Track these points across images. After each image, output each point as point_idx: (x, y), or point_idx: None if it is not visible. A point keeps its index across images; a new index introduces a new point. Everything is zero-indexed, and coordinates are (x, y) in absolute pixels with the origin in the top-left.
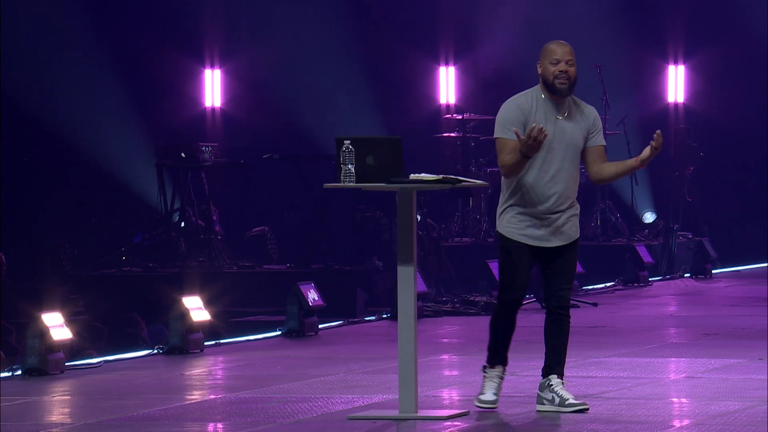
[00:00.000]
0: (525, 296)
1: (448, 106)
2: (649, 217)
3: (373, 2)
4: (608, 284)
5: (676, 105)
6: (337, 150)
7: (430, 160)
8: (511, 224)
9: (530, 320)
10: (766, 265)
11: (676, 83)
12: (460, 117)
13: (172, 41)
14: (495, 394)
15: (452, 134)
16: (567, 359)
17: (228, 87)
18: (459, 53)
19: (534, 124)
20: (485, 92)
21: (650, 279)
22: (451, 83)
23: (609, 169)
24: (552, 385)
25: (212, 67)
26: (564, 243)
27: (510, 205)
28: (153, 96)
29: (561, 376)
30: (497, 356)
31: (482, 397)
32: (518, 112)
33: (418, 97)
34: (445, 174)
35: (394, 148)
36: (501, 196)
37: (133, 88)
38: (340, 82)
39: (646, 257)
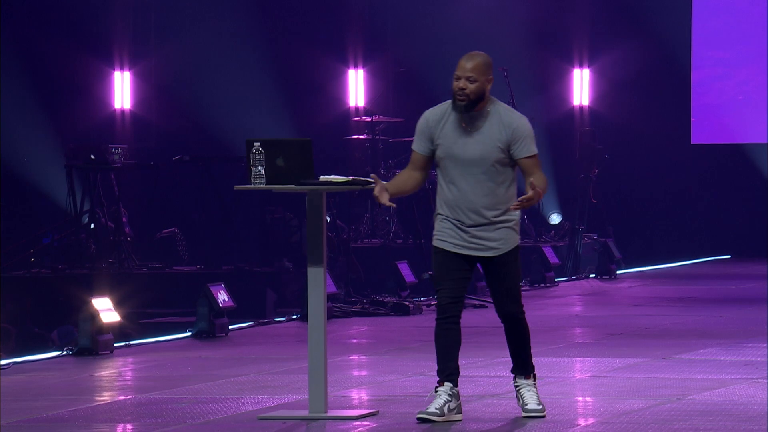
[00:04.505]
0: (458, 303)
1: (357, 108)
2: (555, 219)
3: (283, 4)
4: None
5: (581, 108)
6: (248, 152)
7: (340, 162)
8: (436, 232)
9: (430, 321)
10: None
11: (581, 86)
12: (369, 119)
13: (80, 43)
14: (438, 408)
15: (362, 136)
16: (475, 359)
17: (137, 89)
18: (368, 56)
19: (377, 197)
20: (394, 95)
21: (556, 280)
22: (361, 86)
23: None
24: (518, 387)
25: (121, 69)
26: (492, 255)
27: (437, 213)
28: (62, 98)
29: (529, 376)
30: (442, 371)
31: (425, 409)
32: (425, 125)
33: (328, 99)
34: (355, 176)
35: (303, 150)
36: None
37: (42, 90)
38: (249, 84)
39: (552, 258)
